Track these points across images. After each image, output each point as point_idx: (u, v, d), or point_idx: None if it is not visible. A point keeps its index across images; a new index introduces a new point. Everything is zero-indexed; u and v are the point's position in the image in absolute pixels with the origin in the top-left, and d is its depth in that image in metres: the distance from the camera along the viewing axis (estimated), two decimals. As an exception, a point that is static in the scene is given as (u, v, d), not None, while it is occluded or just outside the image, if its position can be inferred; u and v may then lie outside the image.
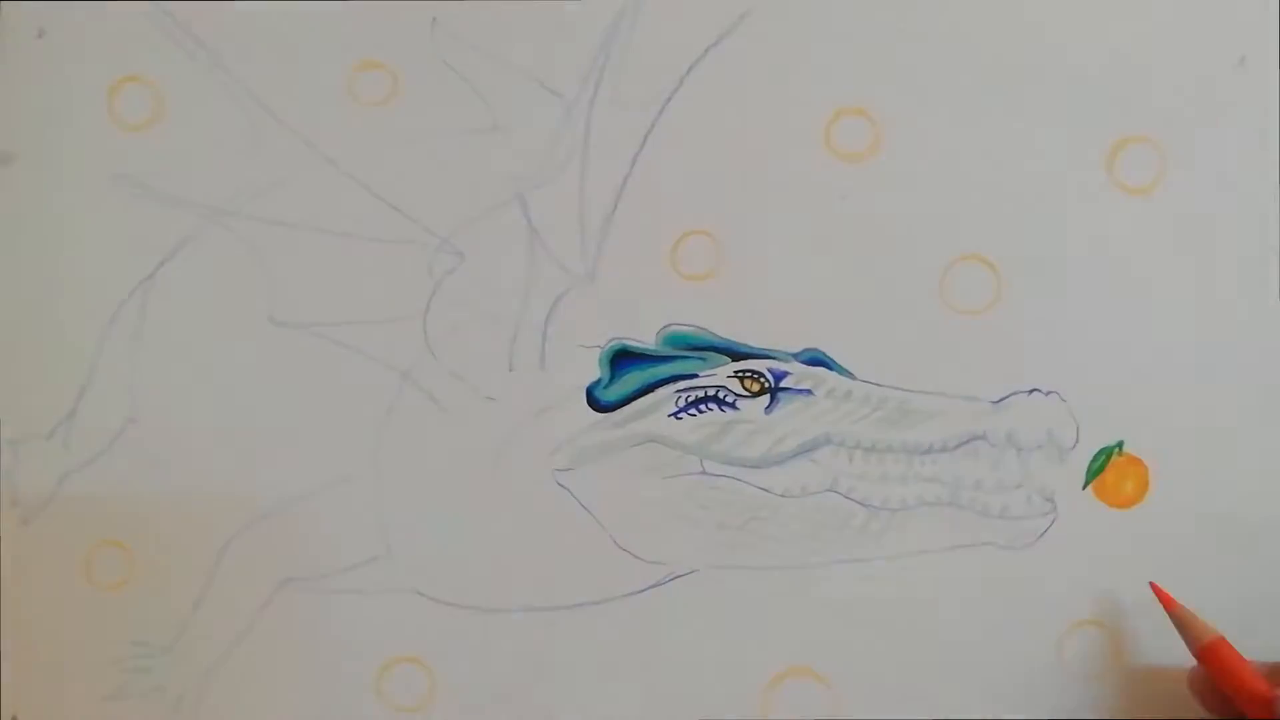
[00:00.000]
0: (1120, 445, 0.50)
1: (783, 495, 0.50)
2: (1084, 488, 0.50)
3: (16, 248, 0.52)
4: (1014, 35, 0.50)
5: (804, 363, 0.50)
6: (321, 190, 0.51)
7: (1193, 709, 0.47)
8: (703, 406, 0.50)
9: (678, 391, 0.50)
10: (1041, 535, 0.50)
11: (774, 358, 0.50)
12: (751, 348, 0.51)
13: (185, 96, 0.52)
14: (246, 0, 0.52)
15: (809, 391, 0.50)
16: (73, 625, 0.51)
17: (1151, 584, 0.48)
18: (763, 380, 0.50)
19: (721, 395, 0.50)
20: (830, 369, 0.50)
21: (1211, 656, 0.45)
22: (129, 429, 0.51)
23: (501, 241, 0.51)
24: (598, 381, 0.51)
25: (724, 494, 0.50)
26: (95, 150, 0.52)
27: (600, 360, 0.51)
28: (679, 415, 0.50)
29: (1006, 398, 0.50)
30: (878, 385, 0.50)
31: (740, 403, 0.50)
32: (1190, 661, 0.46)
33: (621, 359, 0.51)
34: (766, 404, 0.50)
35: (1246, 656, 0.45)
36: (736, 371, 0.50)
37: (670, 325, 0.51)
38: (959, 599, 0.50)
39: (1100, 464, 0.50)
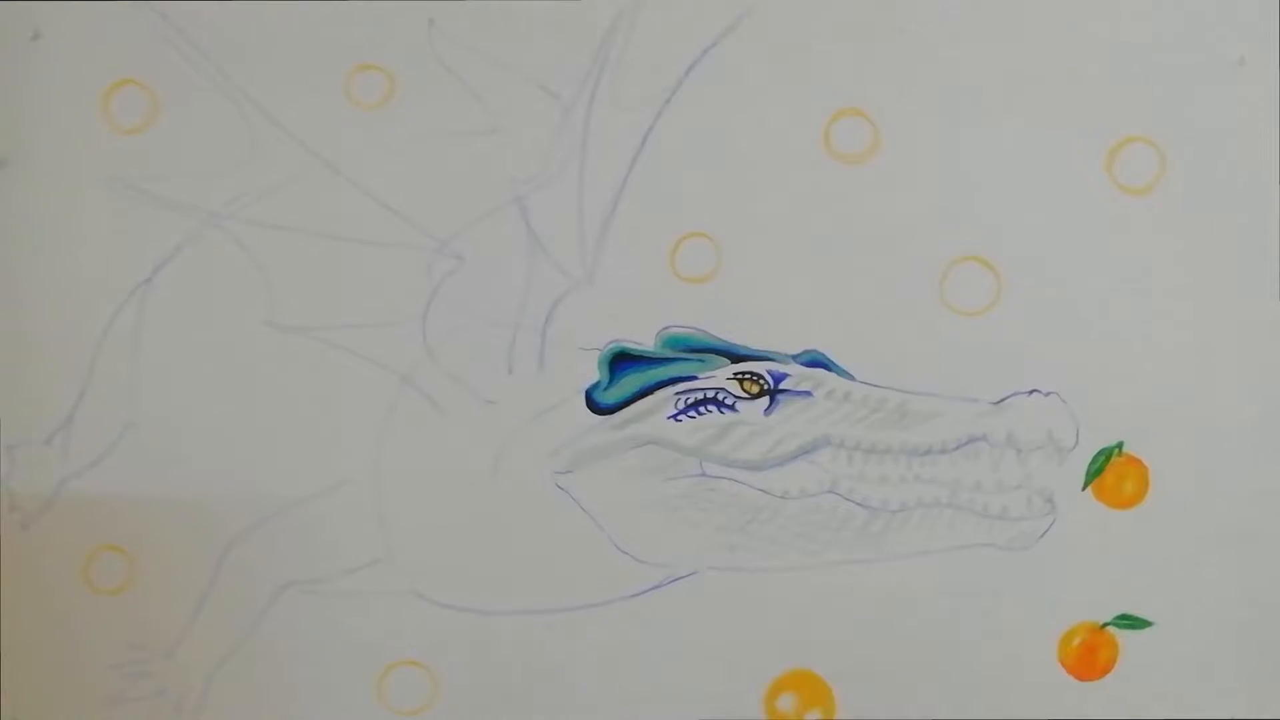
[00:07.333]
0: (1120, 446, 0.50)
1: (782, 497, 0.50)
2: (1084, 488, 0.50)
3: (12, 252, 0.52)
4: (1013, 35, 0.50)
5: (803, 364, 0.50)
6: (319, 193, 0.51)
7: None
8: (702, 408, 0.50)
9: (677, 394, 0.50)
10: (1041, 536, 0.50)
11: (773, 359, 0.50)
12: (751, 349, 0.50)
13: (180, 99, 0.51)
14: (242, 1, 0.51)
15: (808, 393, 0.50)
16: (73, 630, 0.51)
17: None
18: (762, 382, 0.50)
19: (721, 397, 0.50)
20: (830, 370, 0.50)
21: None
22: (128, 433, 0.51)
23: (500, 244, 0.51)
24: (597, 384, 0.51)
25: (724, 496, 0.50)
26: (90, 154, 0.51)
27: (599, 363, 0.51)
28: (678, 417, 0.50)
29: (1006, 398, 0.50)
30: (877, 386, 0.50)
31: (740, 405, 0.50)
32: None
33: (620, 361, 0.51)
34: (766, 406, 0.50)
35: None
36: (736, 373, 0.50)
37: (669, 327, 0.51)
38: (959, 600, 0.50)
39: (1100, 465, 0.50)
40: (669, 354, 0.51)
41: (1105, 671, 0.50)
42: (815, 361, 0.50)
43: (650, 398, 0.50)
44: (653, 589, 0.51)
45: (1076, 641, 0.50)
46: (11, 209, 0.51)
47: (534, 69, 0.51)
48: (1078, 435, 0.50)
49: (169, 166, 0.51)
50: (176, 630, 0.51)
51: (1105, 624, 0.50)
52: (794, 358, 0.50)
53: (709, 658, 0.51)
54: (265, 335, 0.51)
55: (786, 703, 0.50)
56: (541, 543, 0.51)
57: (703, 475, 0.50)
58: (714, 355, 0.50)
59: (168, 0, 0.51)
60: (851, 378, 0.50)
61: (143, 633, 0.51)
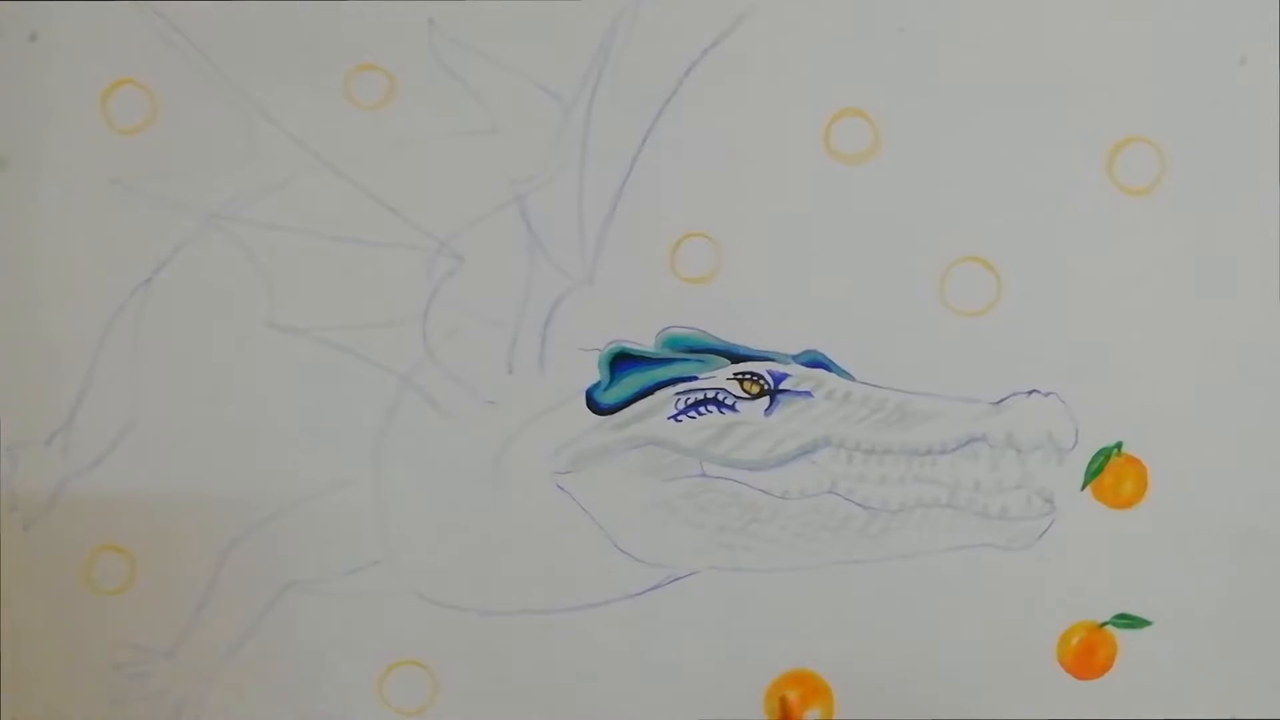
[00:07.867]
0: (1119, 446, 0.50)
1: (782, 497, 0.50)
2: (1083, 488, 0.50)
3: (11, 253, 0.52)
4: (1014, 35, 0.50)
5: (803, 364, 0.50)
6: (319, 194, 0.51)
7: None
8: (702, 409, 0.50)
9: (677, 394, 0.50)
10: (1040, 536, 0.50)
11: (773, 360, 0.50)
12: (751, 350, 0.50)
13: (179, 99, 0.51)
14: (242, 1, 0.51)
15: (808, 393, 0.50)
16: (73, 630, 0.51)
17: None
18: (762, 382, 0.50)
19: (721, 398, 0.50)
20: (830, 371, 0.50)
21: None
22: (128, 434, 0.51)
23: (500, 244, 0.51)
24: (597, 384, 0.51)
25: (724, 496, 0.50)
26: (89, 154, 0.51)
27: (599, 363, 0.51)
28: (678, 418, 0.50)
29: (1006, 399, 0.50)
30: (877, 387, 0.50)
31: (740, 405, 0.50)
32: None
33: (621, 362, 0.51)
34: (766, 406, 0.50)
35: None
36: (736, 374, 0.50)
37: (669, 328, 0.51)
38: (958, 600, 0.50)
39: (1099, 465, 0.50)
40: (669, 354, 0.51)
41: (1104, 671, 0.50)
42: (815, 362, 0.50)
43: (650, 398, 0.50)
44: (653, 589, 0.51)
45: (1075, 641, 0.50)
46: (11, 209, 0.51)
47: (534, 69, 0.50)
48: (1077, 435, 0.50)
49: (169, 166, 0.51)
50: (177, 630, 0.51)
51: (1104, 623, 0.50)
52: (794, 358, 0.50)
53: (709, 658, 0.51)
54: (265, 335, 0.51)
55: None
56: (541, 543, 0.51)
57: (703, 475, 0.51)
58: (714, 356, 0.50)
59: (168, 0, 0.51)
60: (851, 378, 0.50)
61: (144, 633, 0.51)
